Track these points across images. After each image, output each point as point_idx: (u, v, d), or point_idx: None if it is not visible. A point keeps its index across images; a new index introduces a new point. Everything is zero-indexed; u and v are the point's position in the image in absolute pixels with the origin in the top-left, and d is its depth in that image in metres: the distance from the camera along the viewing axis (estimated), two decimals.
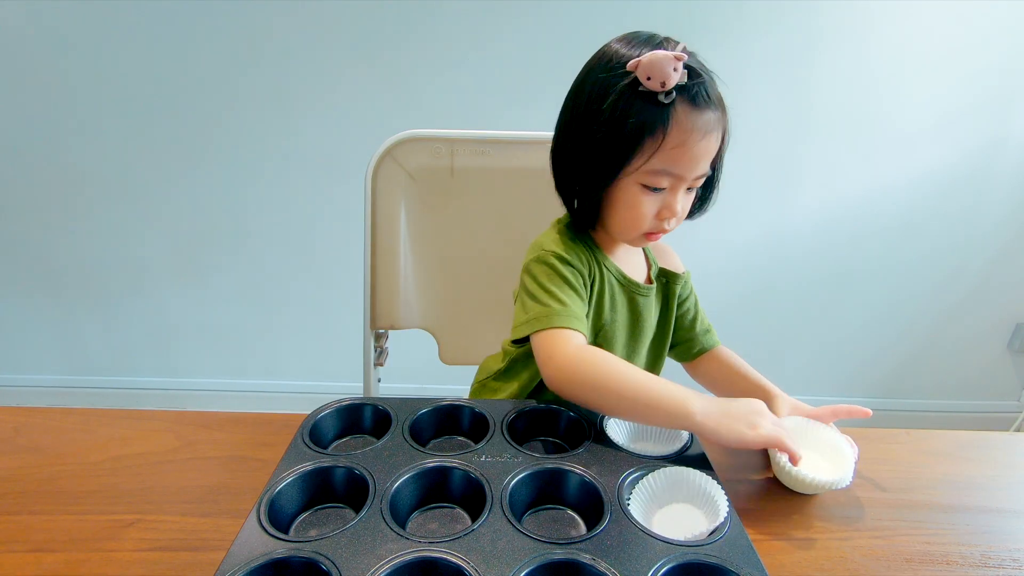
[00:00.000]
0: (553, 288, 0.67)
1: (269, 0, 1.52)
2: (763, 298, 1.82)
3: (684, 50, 0.61)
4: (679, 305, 0.81)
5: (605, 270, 0.72)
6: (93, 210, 1.73)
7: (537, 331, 0.65)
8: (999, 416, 1.95)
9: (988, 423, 1.95)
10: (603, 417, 0.64)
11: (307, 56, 1.57)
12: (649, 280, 0.78)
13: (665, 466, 0.56)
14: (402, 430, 0.61)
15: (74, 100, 1.62)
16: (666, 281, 0.79)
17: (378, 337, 1.02)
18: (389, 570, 0.44)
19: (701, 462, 0.58)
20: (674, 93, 0.60)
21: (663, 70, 0.59)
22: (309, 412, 0.64)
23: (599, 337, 0.74)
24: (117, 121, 1.64)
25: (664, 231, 0.69)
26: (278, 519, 0.50)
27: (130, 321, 1.87)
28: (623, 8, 1.49)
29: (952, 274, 1.80)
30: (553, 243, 0.71)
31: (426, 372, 1.47)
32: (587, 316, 0.70)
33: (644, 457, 0.58)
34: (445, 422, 0.65)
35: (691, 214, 0.75)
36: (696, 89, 0.61)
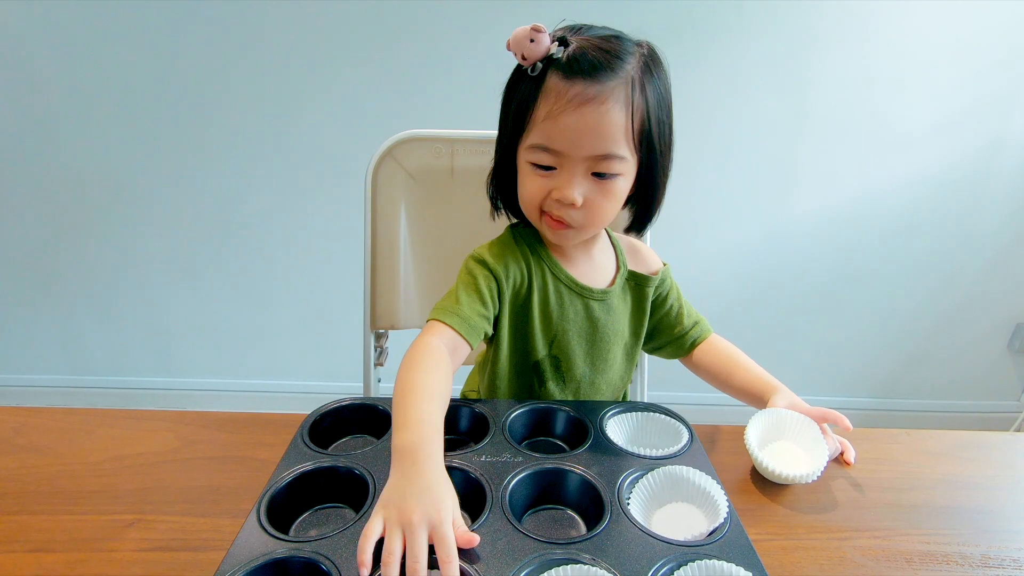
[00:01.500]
0: (459, 287, 0.68)
1: (269, 0, 1.52)
2: (764, 298, 1.82)
3: (573, 30, 0.62)
4: (660, 304, 0.79)
5: (551, 276, 0.71)
6: (93, 210, 1.73)
7: (430, 319, 0.66)
8: (999, 416, 1.95)
9: (988, 423, 1.95)
10: (603, 417, 0.65)
11: (307, 56, 1.58)
12: (613, 284, 0.75)
13: (665, 466, 0.56)
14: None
15: (74, 100, 1.62)
16: (636, 283, 0.76)
17: (378, 337, 1.02)
18: None
19: (701, 462, 0.58)
20: (540, 65, 0.60)
21: (520, 44, 0.60)
22: (309, 412, 0.64)
23: (554, 345, 0.72)
24: (117, 121, 1.64)
25: (567, 225, 0.65)
26: (278, 519, 0.50)
27: (130, 321, 1.87)
28: (623, 8, 1.50)
29: (952, 274, 1.80)
30: (487, 246, 0.72)
31: None
32: (533, 319, 0.70)
33: (644, 457, 0.59)
34: (445, 422, 0.65)
35: (638, 225, 0.72)
36: (567, 60, 0.59)
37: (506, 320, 0.71)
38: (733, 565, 0.45)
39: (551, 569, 0.44)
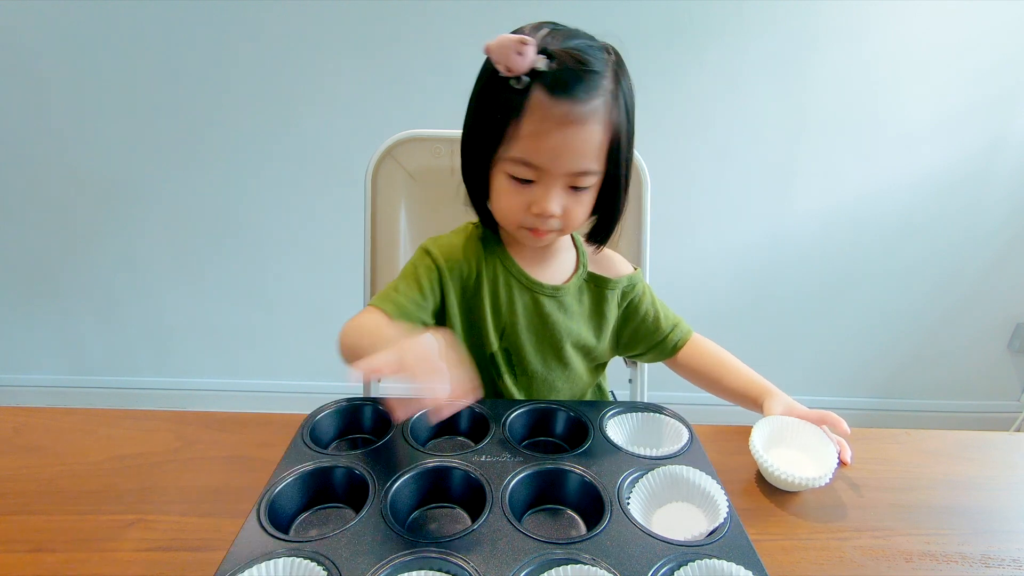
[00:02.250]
0: (401, 276, 0.71)
1: (269, 0, 1.52)
2: (764, 298, 1.82)
3: (558, 35, 0.60)
4: (634, 312, 0.78)
5: (502, 269, 0.72)
6: (93, 210, 1.73)
7: (368, 305, 0.70)
8: (999, 416, 1.95)
9: (988, 423, 1.95)
10: (603, 417, 0.65)
11: (307, 56, 1.58)
12: (567, 282, 0.74)
13: (665, 466, 0.56)
14: (402, 430, 0.61)
15: (75, 100, 1.62)
16: (596, 284, 0.75)
17: None
18: (389, 570, 0.44)
19: (701, 462, 0.58)
20: (525, 79, 0.58)
21: (505, 55, 0.57)
22: (309, 412, 0.64)
23: (504, 337, 0.73)
24: (116, 121, 1.64)
25: (546, 230, 0.66)
26: (278, 519, 0.50)
27: (130, 321, 1.87)
28: (623, 8, 1.50)
29: (952, 274, 1.80)
30: (437, 238, 0.74)
31: None
32: (484, 311, 0.72)
33: (644, 457, 0.58)
34: (445, 422, 0.65)
35: (600, 235, 0.72)
36: (552, 78, 0.58)
37: (456, 311, 0.72)
38: (733, 564, 0.45)
39: (551, 569, 0.44)
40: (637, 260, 0.93)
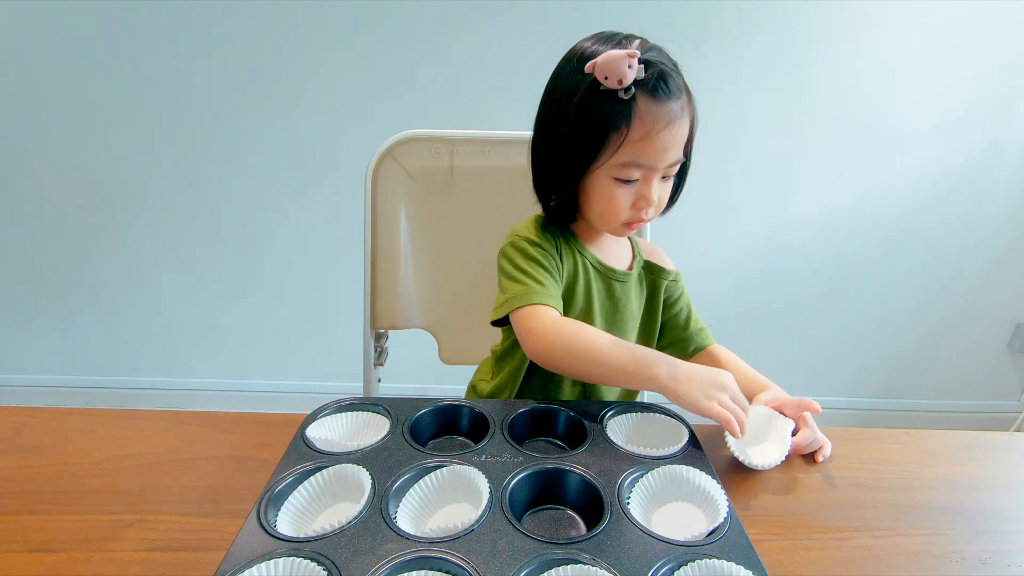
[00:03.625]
0: (528, 268, 0.71)
1: (269, 0, 1.52)
2: (764, 299, 1.82)
3: (641, 45, 0.65)
4: (671, 305, 0.83)
5: (580, 256, 0.76)
6: (93, 210, 1.73)
7: (516, 309, 0.69)
8: (999, 416, 1.95)
9: (988, 423, 1.95)
10: (603, 417, 0.64)
11: (307, 56, 1.58)
12: (631, 269, 0.80)
13: (665, 466, 0.56)
14: (402, 430, 0.61)
15: (74, 100, 1.62)
16: (651, 273, 0.81)
17: (378, 337, 1.02)
18: (389, 570, 0.44)
19: (701, 462, 0.58)
20: (633, 89, 0.63)
21: (618, 68, 0.62)
22: (309, 412, 0.64)
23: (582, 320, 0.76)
24: (117, 122, 1.64)
25: (643, 220, 0.71)
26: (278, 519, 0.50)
27: (130, 321, 1.87)
28: (623, 8, 1.50)
29: (952, 274, 1.80)
30: (525, 229, 0.76)
31: (426, 372, 1.47)
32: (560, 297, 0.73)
33: (644, 457, 0.58)
34: (445, 422, 0.65)
35: (663, 209, 0.76)
36: (654, 82, 0.63)
37: None
38: (733, 564, 0.45)
39: (551, 569, 0.44)
40: None
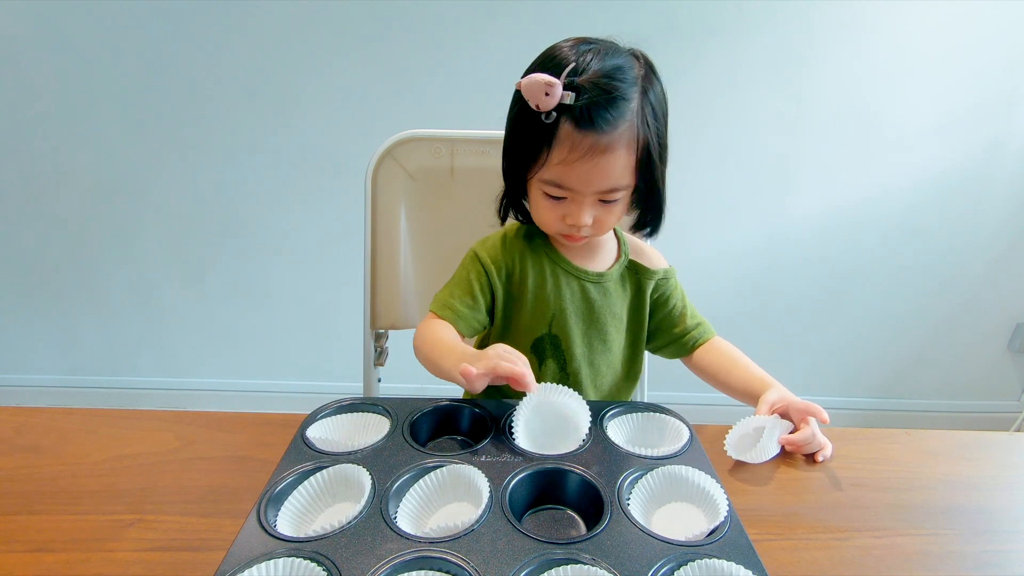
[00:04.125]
0: (453, 281, 0.78)
1: (269, 0, 1.52)
2: (764, 299, 1.82)
3: (588, 68, 0.62)
4: (662, 304, 0.82)
5: (548, 261, 0.77)
6: (93, 209, 1.73)
7: (430, 309, 0.77)
8: (999, 416, 1.95)
9: (988, 423, 1.95)
10: (603, 417, 0.65)
11: (307, 56, 1.58)
12: (610, 270, 0.79)
13: (665, 466, 0.56)
14: (402, 430, 0.61)
15: (73, 100, 1.62)
16: (635, 273, 0.80)
17: (378, 337, 1.02)
18: (389, 570, 0.44)
19: (701, 462, 0.58)
20: (554, 114, 0.62)
21: (535, 94, 0.61)
22: (309, 412, 0.64)
23: (553, 324, 0.77)
24: (116, 120, 1.64)
25: (581, 237, 0.72)
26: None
27: (130, 321, 1.87)
28: (623, 8, 1.50)
29: (952, 275, 1.80)
30: (484, 240, 0.79)
31: (426, 372, 1.46)
32: (527, 305, 0.77)
33: (644, 457, 0.59)
34: (445, 422, 0.66)
35: (647, 232, 0.77)
36: (579, 112, 0.61)
37: (501, 304, 0.78)
38: (733, 564, 0.45)
39: (551, 569, 0.44)
40: None
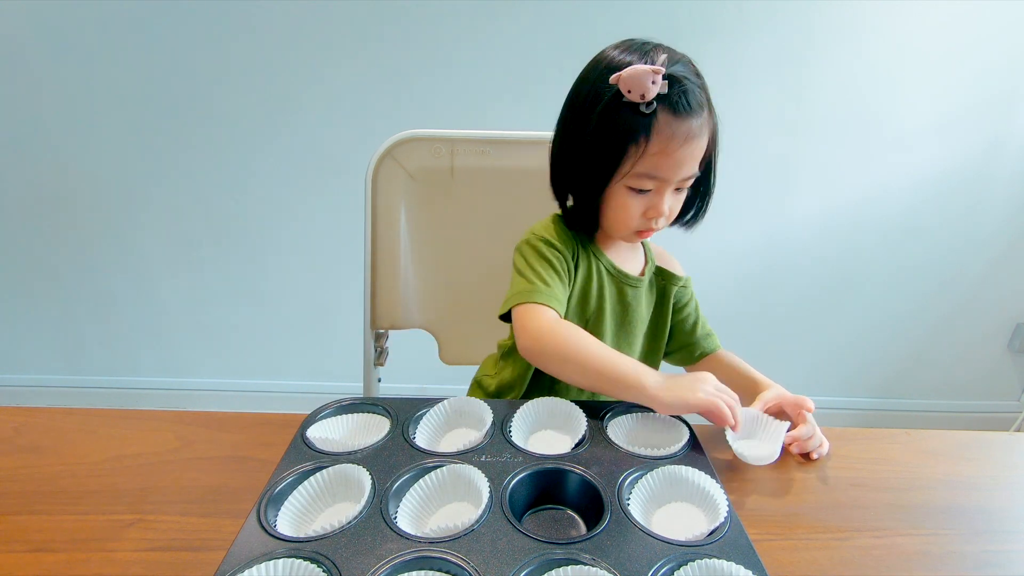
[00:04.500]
0: (538, 268, 0.73)
1: (270, 0, 1.52)
2: (764, 299, 1.82)
3: (669, 59, 0.65)
4: (679, 310, 0.84)
5: (595, 260, 0.77)
6: (93, 209, 1.73)
7: (517, 305, 0.71)
8: (999, 416, 1.95)
9: (988, 423, 1.95)
10: (604, 417, 0.64)
11: (307, 55, 1.58)
12: (643, 275, 0.81)
13: (665, 466, 0.56)
14: (402, 430, 0.61)
15: (74, 99, 1.62)
16: (662, 279, 0.82)
17: (378, 337, 1.02)
18: (389, 570, 0.44)
19: (701, 462, 0.58)
20: (655, 104, 0.64)
21: (641, 84, 0.62)
22: (309, 412, 0.64)
23: (588, 323, 0.77)
24: (117, 120, 1.64)
25: (653, 229, 0.73)
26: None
27: (130, 321, 1.87)
28: (623, 8, 1.49)
29: (952, 275, 1.80)
30: (544, 229, 0.76)
31: (426, 372, 1.47)
32: (570, 300, 0.75)
33: (644, 457, 0.58)
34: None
35: (688, 221, 0.78)
36: (676, 98, 0.64)
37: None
38: (733, 564, 0.45)
39: (551, 569, 0.44)
40: None
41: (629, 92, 0.63)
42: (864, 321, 1.86)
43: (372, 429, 0.63)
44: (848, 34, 1.55)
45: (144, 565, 0.49)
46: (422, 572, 0.44)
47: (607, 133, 0.66)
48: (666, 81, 0.63)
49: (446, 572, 0.44)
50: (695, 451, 0.60)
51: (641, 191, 0.69)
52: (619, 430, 0.64)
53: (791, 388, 0.72)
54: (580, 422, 0.62)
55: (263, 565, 0.44)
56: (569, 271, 0.74)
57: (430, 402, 0.65)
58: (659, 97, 0.63)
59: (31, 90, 1.61)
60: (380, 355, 1.02)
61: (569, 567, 0.44)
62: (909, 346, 1.89)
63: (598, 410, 0.66)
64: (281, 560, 0.44)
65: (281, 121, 1.64)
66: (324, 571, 0.44)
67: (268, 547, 0.46)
